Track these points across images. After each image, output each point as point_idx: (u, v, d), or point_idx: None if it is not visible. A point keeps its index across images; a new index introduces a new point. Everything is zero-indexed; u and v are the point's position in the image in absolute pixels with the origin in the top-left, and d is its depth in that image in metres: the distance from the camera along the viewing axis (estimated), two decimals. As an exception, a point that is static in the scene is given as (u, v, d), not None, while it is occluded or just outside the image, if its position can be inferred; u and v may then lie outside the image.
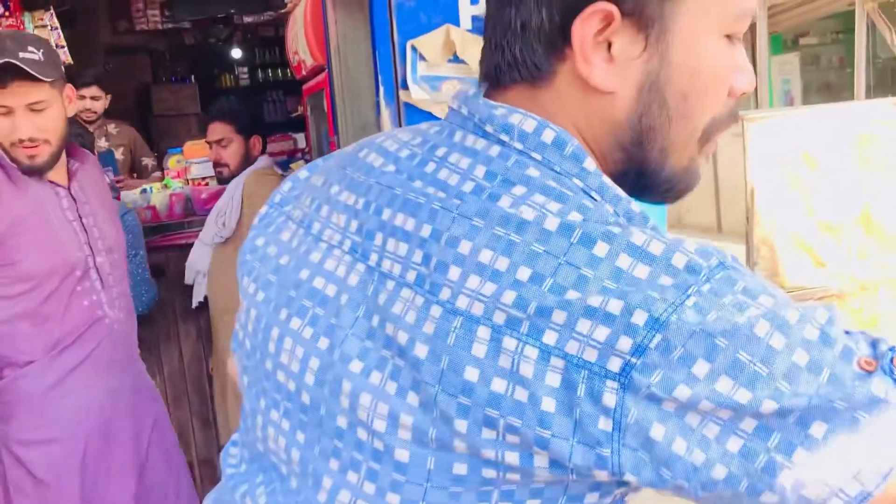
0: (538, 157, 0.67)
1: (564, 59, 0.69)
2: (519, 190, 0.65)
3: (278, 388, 0.76)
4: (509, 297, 0.60)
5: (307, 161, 4.38)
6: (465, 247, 0.62)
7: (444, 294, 0.63)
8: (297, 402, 0.73)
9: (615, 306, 0.58)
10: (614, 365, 0.58)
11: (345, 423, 0.67)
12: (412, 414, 0.63)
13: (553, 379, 0.59)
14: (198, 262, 3.38)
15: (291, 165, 4.85)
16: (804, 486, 0.56)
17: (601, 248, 0.60)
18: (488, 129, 0.70)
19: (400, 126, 1.92)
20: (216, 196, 3.53)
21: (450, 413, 0.61)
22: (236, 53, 8.95)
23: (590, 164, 0.68)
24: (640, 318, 0.57)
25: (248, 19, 7.86)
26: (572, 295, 0.59)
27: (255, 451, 0.83)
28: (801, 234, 2.64)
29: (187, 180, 4.14)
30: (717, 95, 0.71)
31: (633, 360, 0.57)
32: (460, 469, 0.63)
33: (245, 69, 8.89)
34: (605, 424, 0.58)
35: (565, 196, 0.65)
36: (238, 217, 3.25)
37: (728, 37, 0.69)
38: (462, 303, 0.62)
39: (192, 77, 8.60)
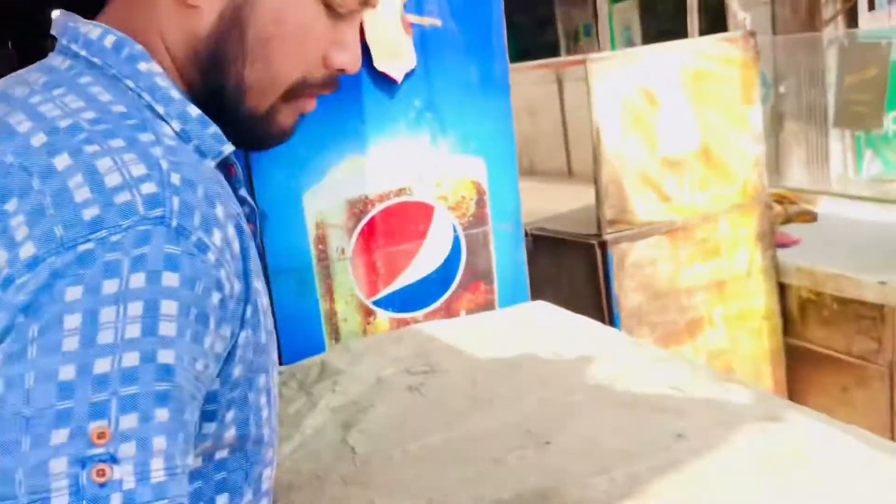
0: (98, 61, 0.66)
1: None
2: (58, 91, 0.62)
3: None
4: None
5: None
6: None
7: None
8: None
9: (21, 230, 0.54)
10: None
11: None
12: None
13: None
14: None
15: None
16: None
17: (62, 161, 0.56)
18: (64, 42, 0.68)
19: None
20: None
21: None
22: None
23: (145, 66, 0.66)
24: (27, 251, 0.54)
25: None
26: (10, 206, 0.55)
27: None
28: (647, 170, 2.72)
29: None
30: (304, 54, 0.70)
31: None
32: None
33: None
34: None
35: (96, 101, 0.61)
36: None
37: (327, 6, 0.69)
38: None
39: (9, 44, 7.95)
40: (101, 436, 0.53)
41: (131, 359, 0.54)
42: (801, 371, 3.06)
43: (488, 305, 2.16)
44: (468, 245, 2.10)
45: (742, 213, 2.90)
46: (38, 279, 0.53)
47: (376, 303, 2.02)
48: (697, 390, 1.46)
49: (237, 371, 0.64)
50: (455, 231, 2.09)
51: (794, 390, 3.04)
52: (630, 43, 6.40)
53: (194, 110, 0.66)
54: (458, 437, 1.39)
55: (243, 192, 0.73)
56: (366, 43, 1.86)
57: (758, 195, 2.92)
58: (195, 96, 0.69)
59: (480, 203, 2.11)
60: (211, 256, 0.58)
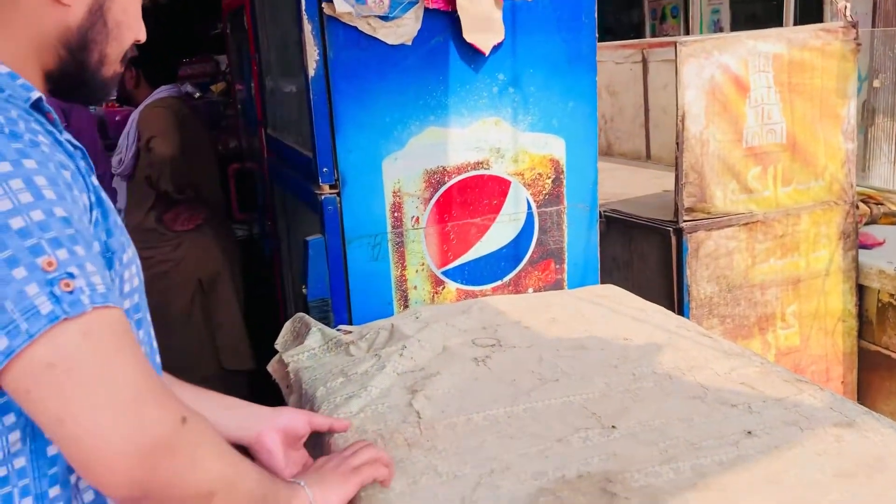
0: None
1: None
2: None
3: None
4: None
5: (228, 83, 4.20)
6: None
7: None
8: None
9: None
10: None
11: None
12: None
13: None
14: (112, 197, 3.22)
15: (212, 87, 4.64)
16: None
17: None
18: None
19: (323, 43, 1.82)
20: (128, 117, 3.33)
21: None
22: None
23: None
24: None
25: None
26: None
27: None
28: (730, 159, 2.66)
29: (99, 103, 3.91)
30: (133, 31, 1.00)
31: None
32: None
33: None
34: None
35: None
36: (134, 153, 3.09)
37: None
38: None
39: None
40: (49, 264, 0.71)
41: (38, 214, 0.72)
42: (873, 376, 2.96)
43: (557, 285, 2.15)
44: (541, 223, 2.09)
45: (826, 211, 2.81)
46: None
47: (446, 273, 2.03)
48: (769, 388, 1.43)
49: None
50: (529, 208, 2.08)
51: (864, 394, 2.95)
52: (717, 26, 6.22)
53: (3, 67, 0.85)
54: (522, 411, 1.39)
55: (67, 135, 0.90)
56: (456, 13, 1.86)
57: (844, 193, 2.82)
58: (62, 68, 0.92)
59: (557, 182, 2.09)
60: (44, 148, 0.78)
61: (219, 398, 1.20)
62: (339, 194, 1.88)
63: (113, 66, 0.98)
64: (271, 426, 1.18)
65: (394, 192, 1.93)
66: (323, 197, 1.87)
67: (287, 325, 1.84)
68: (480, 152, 2.00)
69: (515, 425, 1.35)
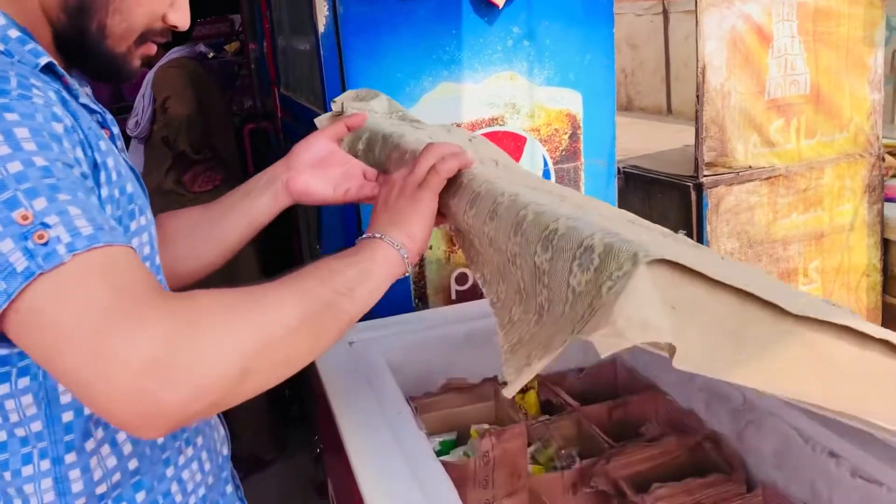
0: None
1: None
2: None
3: None
4: None
5: (242, 42, 4.16)
6: None
7: None
8: None
9: None
10: None
11: None
12: None
13: None
14: (131, 160, 3.21)
15: (226, 47, 4.60)
16: None
17: None
18: None
19: (334, -3, 1.79)
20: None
21: None
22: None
23: None
24: None
25: None
26: None
27: None
28: (752, 112, 2.59)
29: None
30: (150, 12, 0.91)
31: None
32: None
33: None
34: None
35: None
36: (150, 114, 3.08)
37: None
38: None
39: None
40: (24, 217, 0.69)
41: (15, 166, 0.70)
42: (897, 332, 2.92)
43: (574, 242, 2.13)
44: (558, 179, 2.06)
45: (850, 164, 2.74)
46: None
47: (462, 232, 2.01)
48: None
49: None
50: (546, 164, 2.05)
51: (888, 351, 2.91)
52: (743, -25, 6.05)
53: (14, 33, 0.83)
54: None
55: (84, 100, 0.88)
56: (468, -35, 1.81)
57: (870, 145, 2.75)
58: (62, 33, 0.88)
59: (574, 137, 2.06)
60: (37, 100, 0.75)
61: (241, 193, 1.18)
62: (350, 153, 1.86)
63: (119, 42, 0.90)
64: (291, 172, 1.14)
65: (407, 150, 1.90)
66: (335, 155, 1.85)
67: (348, 92, 1.57)
68: (495, 108, 1.96)
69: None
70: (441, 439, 1.45)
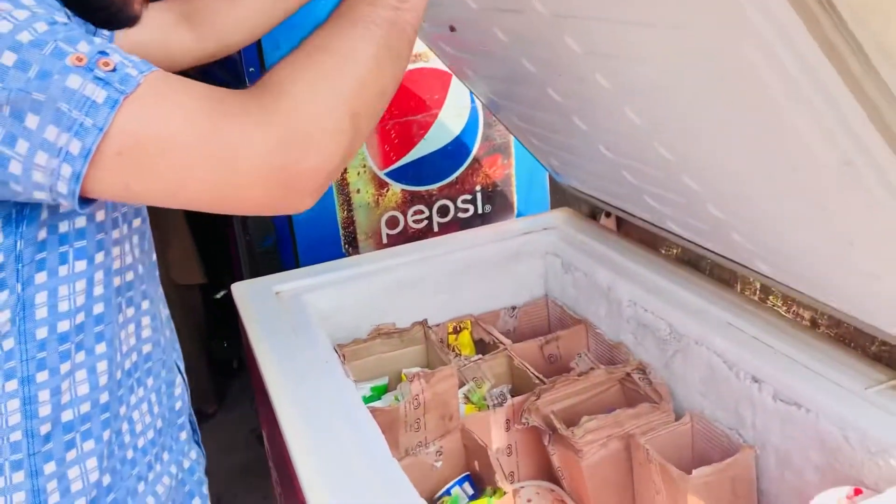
0: None
1: None
2: None
3: None
4: None
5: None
6: None
7: None
8: None
9: None
10: None
11: None
12: None
13: None
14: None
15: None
16: (32, 172, 0.66)
17: None
18: None
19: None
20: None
21: None
22: None
23: None
24: None
25: None
26: None
27: None
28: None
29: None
30: None
31: None
32: None
33: None
34: None
35: None
36: None
37: None
38: None
39: None
40: (79, 59, 0.65)
41: (42, 26, 0.66)
42: None
43: (506, 180, 2.11)
44: (486, 117, 2.03)
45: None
46: None
47: (389, 174, 1.97)
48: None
49: None
50: (472, 101, 2.00)
51: None
52: None
53: None
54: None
55: None
56: None
57: None
58: None
59: (501, 73, 2.02)
60: None
61: None
62: (269, 96, 1.79)
63: None
64: None
65: (328, 91, 1.84)
66: (253, 99, 1.78)
67: None
68: (417, 44, 1.90)
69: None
70: (372, 385, 1.43)
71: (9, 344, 0.78)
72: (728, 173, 0.99)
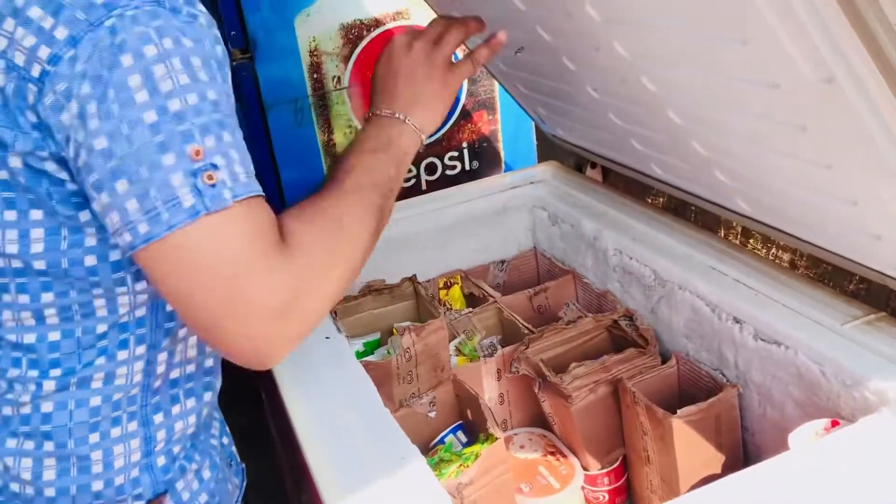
0: None
1: None
2: None
3: None
4: None
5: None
6: None
7: None
8: None
9: (48, 21, 0.70)
10: (35, 70, 0.70)
11: None
12: None
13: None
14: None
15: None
16: (101, 215, 0.74)
17: None
18: None
19: None
20: None
21: None
22: None
23: None
24: (62, 33, 0.69)
25: None
26: (19, 2, 0.71)
27: None
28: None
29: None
30: None
31: (49, 67, 0.70)
32: None
33: None
34: (32, 117, 0.72)
35: None
36: None
37: None
38: None
39: None
40: (197, 153, 0.70)
41: (193, 98, 0.71)
42: None
43: (492, 136, 2.11)
44: (471, 73, 2.02)
45: None
46: (86, 52, 0.69)
47: (376, 133, 1.97)
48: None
49: None
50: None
51: None
52: None
53: None
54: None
55: None
56: None
57: None
58: None
59: (484, 28, 2.01)
60: (202, 20, 0.75)
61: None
62: (251, 59, 1.78)
63: None
64: None
65: (310, 52, 1.84)
66: (234, 64, 1.78)
67: None
68: (399, 1, 1.89)
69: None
70: (365, 340, 1.46)
71: (141, 312, 0.87)
72: (711, 100, 1.00)
